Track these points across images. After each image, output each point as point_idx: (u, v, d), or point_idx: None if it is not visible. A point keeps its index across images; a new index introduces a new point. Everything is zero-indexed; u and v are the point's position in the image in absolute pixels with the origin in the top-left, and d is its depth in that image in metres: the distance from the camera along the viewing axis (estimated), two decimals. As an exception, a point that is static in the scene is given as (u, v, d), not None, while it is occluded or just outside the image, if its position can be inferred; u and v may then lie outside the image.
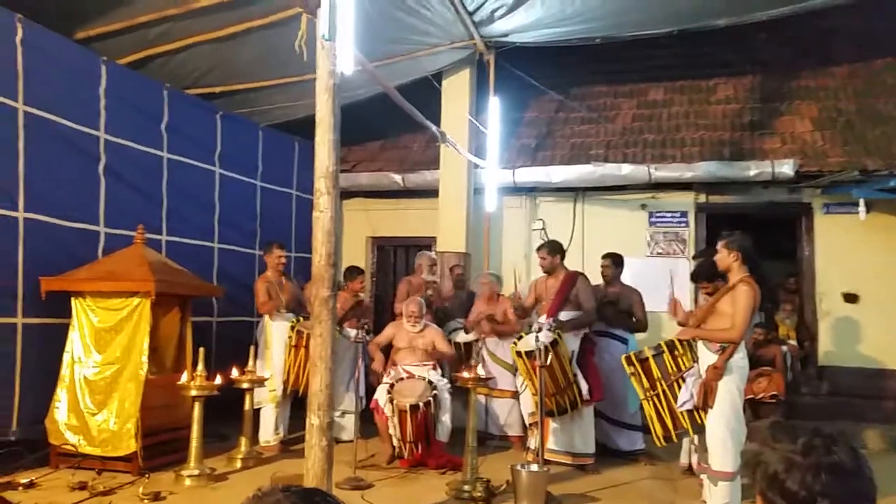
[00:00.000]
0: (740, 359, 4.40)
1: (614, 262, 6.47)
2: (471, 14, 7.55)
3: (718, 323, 4.42)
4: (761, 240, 8.80)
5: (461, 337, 6.75)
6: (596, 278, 6.47)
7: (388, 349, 6.38)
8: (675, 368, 4.61)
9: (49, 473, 4.95)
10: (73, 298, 5.31)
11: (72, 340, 5.28)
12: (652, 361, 4.68)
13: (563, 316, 5.78)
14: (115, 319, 5.28)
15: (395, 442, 5.67)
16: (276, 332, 6.30)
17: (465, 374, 5.21)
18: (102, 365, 5.24)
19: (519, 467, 4.67)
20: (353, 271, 6.90)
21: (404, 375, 5.92)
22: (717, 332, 4.41)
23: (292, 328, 6.19)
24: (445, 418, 5.76)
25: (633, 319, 6.35)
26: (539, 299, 6.03)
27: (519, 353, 5.43)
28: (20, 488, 4.54)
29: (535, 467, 4.75)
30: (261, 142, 8.14)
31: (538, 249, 6.11)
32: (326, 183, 4.15)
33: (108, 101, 5.99)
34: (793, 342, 7.71)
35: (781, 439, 1.41)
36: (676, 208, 8.42)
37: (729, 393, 4.33)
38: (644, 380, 4.69)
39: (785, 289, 8.59)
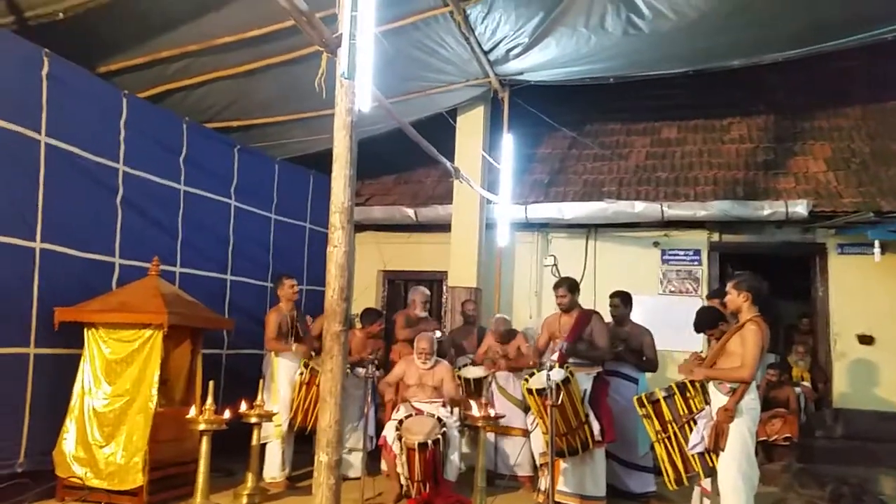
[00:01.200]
0: (751, 400, 4.35)
1: (623, 300, 6.42)
2: (486, 53, 7.65)
3: (728, 363, 4.40)
4: (775, 280, 8.75)
5: (471, 372, 6.71)
6: (607, 316, 6.43)
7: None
8: (686, 410, 4.56)
9: (55, 506, 4.93)
10: (85, 329, 5.33)
11: (83, 371, 5.28)
12: (663, 403, 4.63)
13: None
14: (127, 351, 5.29)
15: (402, 480, 5.60)
16: (282, 367, 6.27)
17: (475, 413, 5.16)
18: (112, 397, 5.23)
19: (529, 509, 4.61)
20: (371, 314, 6.86)
21: (413, 412, 5.87)
22: (727, 371, 4.38)
23: (305, 364, 6.16)
24: (454, 457, 5.68)
25: (644, 359, 6.29)
26: (552, 337, 5.99)
27: (530, 391, 5.37)
28: (26, 520, 4.51)
29: (545, 509, 4.68)
30: (276, 175, 8.22)
31: (556, 287, 6.06)
32: (341, 218, 4.17)
33: (128, 133, 6.07)
34: (807, 384, 7.61)
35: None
36: (689, 246, 8.40)
37: (740, 435, 4.27)
38: (655, 422, 4.64)
39: (799, 330, 8.53)
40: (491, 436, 6.24)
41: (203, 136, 7.10)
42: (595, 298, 8.01)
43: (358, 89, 4.23)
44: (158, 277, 5.73)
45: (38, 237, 5.26)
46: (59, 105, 5.39)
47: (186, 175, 6.78)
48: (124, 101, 6.08)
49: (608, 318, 6.37)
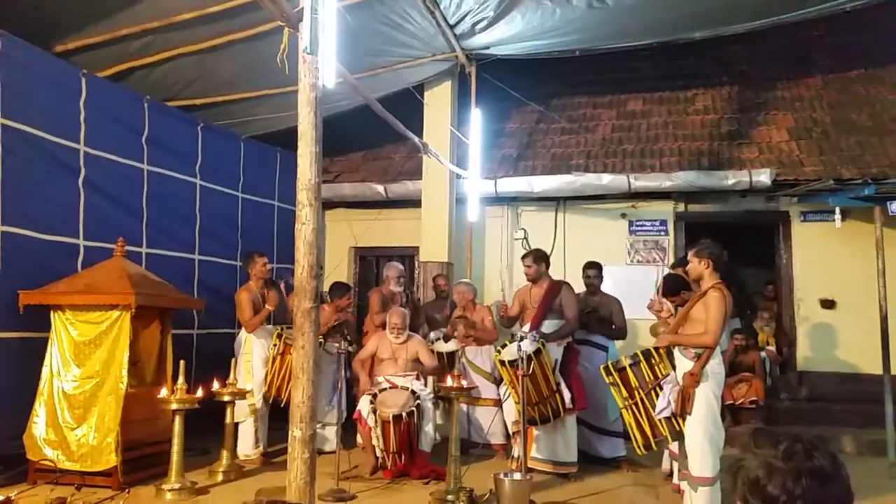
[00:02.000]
0: (716, 364, 4.46)
1: (599, 271, 6.55)
2: (452, 27, 7.61)
3: (692, 329, 4.49)
4: (740, 248, 8.96)
5: (443, 346, 6.77)
6: (579, 285, 6.52)
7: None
8: (651, 377, 4.66)
9: (27, 490, 4.88)
10: (52, 312, 5.26)
11: (50, 354, 5.22)
12: (629, 370, 4.73)
13: (547, 324, 5.83)
14: (95, 333, 5.24)
15: (378, 453, 5.66)
16: (256, 344, 6.27)
17: (449, 383, 5.22)
18: (82, 379, 5.19)
19: (502, 476, 4.69)
20: (340, 288, 6.87)
21: (387, 386, 5.91)
22: (691, 337, 4.48)
23: (278, 336, 6.16)
24: (429, 428, 5.76)
25: (613, 327, 6.42)
26: (523, 308, 6.08)
27: (503, 362, 5.45)
28: (-3, 505, 4.47)
29: (517, 476, 4.78)
30: (242, 153, 8.13)
31: (523, 258, 6.16)
32: (309, 195, 4.16)
33: (88, 113, 5.96)
34: (771, 348, 7.81)
35: (762, 445, 1.45)
36: (656, 217, 8.52)
37: (706, 399, 4.38)
38: (623, 389, 4.73)
39: (763, 296, 8.72)
40: (464, 406, 6.33)
41: (165, 115, 6.99)
42: (565, 270, 8.11)
43: (321, 64, 4.19)
44: (124, 258, 5.66)
45: (0, 220, 5.16)
46: (14, 85, 5.27)
47: (149, 154, 6.68)
48: (83, 80, 5.95)
49: (580, 289, 6.47)
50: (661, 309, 5.07)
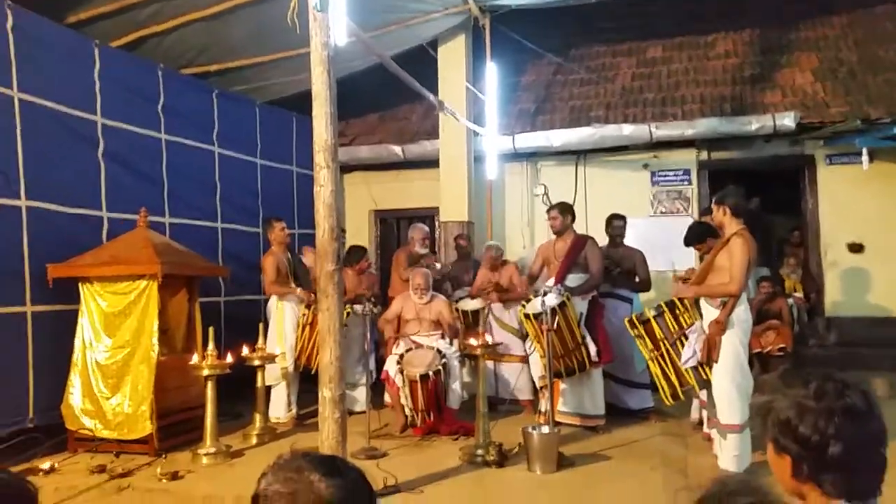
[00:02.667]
0: (742, 311, 4.42)
1: (625, 222, 6.49)
2: (464, -22, 7.44)
3: (717, 278, 4.45)
4: (764, 194, 8.82)
5: (468, 305, 6.78)
6: (601, 240, 6.46)
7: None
8: (676, 327, 4.63)
9: (68, 458, 5.03)
10: (80, 284, 5.34)
11: (81, 326, 5.31)
12: (654, 322, 4.71)
13: (571, 279, 5.79)
14: (124, 303, 5.31)
15: (407, 411, 5.73)
16: (287, 309, 6.31)
17: (473, 342, 5.24)
18: (113, 349, 5.28)
19: (530, 430, 4.72)
20: (356, 251, 6.89)
21: (413, 346, 5.95)
22: (716, 287, 4.43)
23: (308, 306, 6.20)
24: (456, 386, 5.81)
25: (637, 279, 6.37)
26: (546, 263, 6.05)
27: (527, 316, 5.46)
28: (41, 474, 4.60)
29: (545, 429, 4.81)
30: (258, 119, 8.10)
31: (549, 210, 6.12)
32: (325, 157, 4.14)
33: (103, 84, 5.95)
34: (799, 294, 7.73)
35: (793, 385, 1.42)
36: (679, 166, 8.38)
37: (732, 346, 4.35)
38: (648, 341, 4.72)
39: (790, 242, 8.60)
40: (491, 364, 6.36)
41: (180, 83, 6.97)
42: (587, 224, 8.05)
43: (332, 22, 4.14)
44: (148, 228, 5.70)
45: (23, 195, 5.21)
46: (28, 59, 5.27)
47: (166, 123, 6.68)
48: (96, 50, 5.93)
49: (603, 242, 6.41)
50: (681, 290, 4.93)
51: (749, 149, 8.24)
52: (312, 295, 6.19)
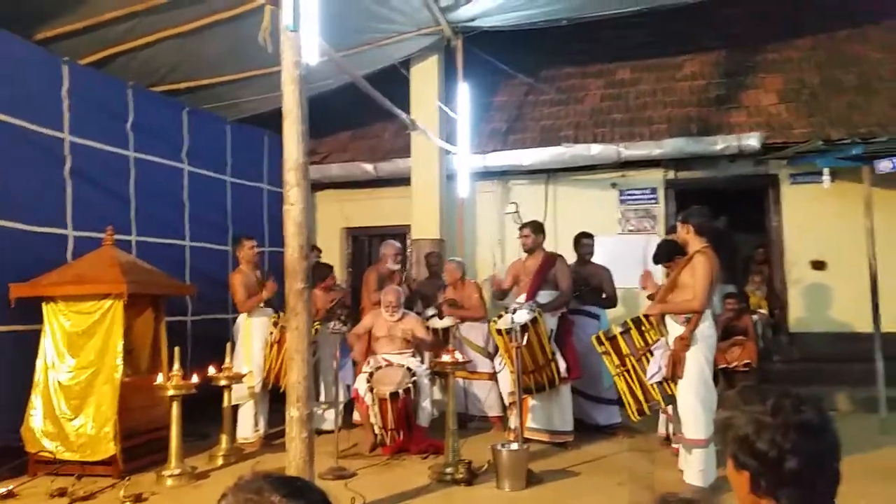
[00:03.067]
0: (707, 327, 4.50)
1: (593, 241, 6.58)
2: (437, 0, 7.52)
3: (681, 295, 4.53)
4: (730, 213, 8.98)
5: (438, 323, 6.79)
6: (571, 257, 6.53)
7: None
8: (642, 343, 4.70)
9: (27, 481, 4.91)
10: (43, 304, 5.25)
11: (44, 346, 5.22)
12: (620, 339, 4.77)
13: (542, 295, 5.85)
14: (88, 323, 5.23)
15: (376, 430, 5.70)
16: (255, 327, 6.26)
17: (444, 359, 5.25)
18: (77, 369, 5.19)
19: (499, 447, 4.73)
20: (322, 268, 6.87)
21: (383, 364, 5.94)
22: (680, 303, 4.52)
23: (274, 324, 6.16)
24: (426, 404, 5.79)
25: (604, 296, 6.45)
26: (517, 280, 6.11)
27: (499, 331, 5.49)
28: (-1, 497, 4.51)
29: (515, 446, 4.82)
30: (229, 136, 8.07)
31: (522, 227, 6.20)
32: (296, 175, 4.15)
33: (72, 101, 5.90)
34: (763, 311, 7.85)
35: (750, 402, 1.45)
36: (646, 185, 8.52)
37: (697, 362, 4.42)
38: (614, 357, 4.78)
39: (755, 260, 8.75)
40: (460, 381, 6.37)
41: (150, 100, 6.93)
42: (556, 242, 8.10)
43: (304, 41, 4.16)
44: (114, 247, 5.63)
45: (-14, 213, 5.13)
46: (-5, 75, 5.21)
47: (135, 141, 6.63)
48: (65, 68, 5.88)
49: (572, 259, 6.49)
50: (647, 285, 5.12)
51: (715, 168, 8.40)
52: (274, 287, 6.12)
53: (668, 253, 5.30)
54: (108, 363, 5.16)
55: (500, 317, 5.64)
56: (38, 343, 5.22)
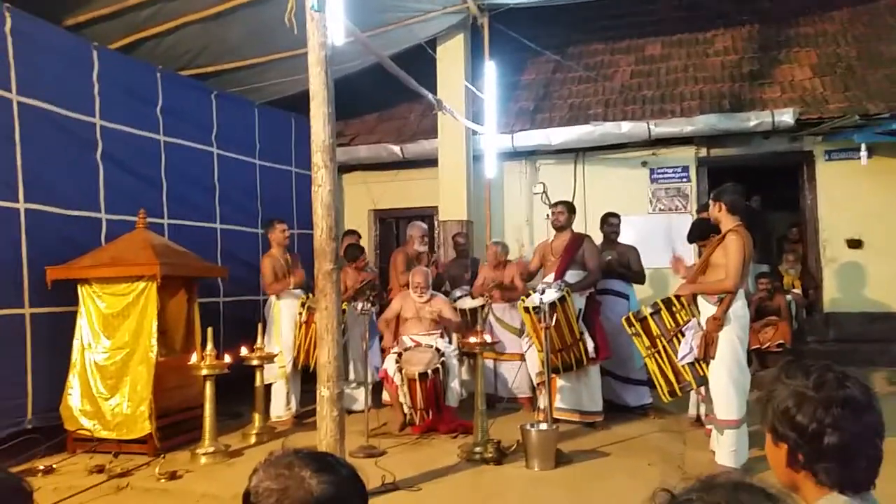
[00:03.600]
0: (740, 307, 4.43)
1: (620, 220, 6.51)
2: (461, -23, 7.45)
3: (714, 275, 4.46)
4: (764, 191, 8.81)
5: (467, 303, 6.79)
6: (600, 237, 6.47)
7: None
8: (673, 324, 4.65)
9: (66, 459, 5.04)
10: (79, 286, 5.36)
11: (80, 327, 5.33)
12: (650, 320, 4.72)
13: (570, 275, 5.82)
14: (122, 304, 5.33)
15: (405, 409, 5.74)
16: (284, 308, 6.32)
17: (472, 340, 5.25)
18: (112, 350, 5.30)
19: (528, 427, 4.73)
20: (354, 249, 6.91)
21: (412, 345, 5.96)
22: (712, 284, 4.45)
23: (303, 305, 6.22)
24: (454, 384, 5.82)
25: (632, 271, 6.37)
26: (544, 260, 6.08)
27: (526, 309, 5.47)
28: (39, 474, 4.62)
29: (544, 426, 4.82)
30: (257, 120, 8.11)
31: (554, 204, 6.15)
32: (323, 157, 4.15)
33: (102, 86, 5.97)
34: (797, 291, 7.71)
35: (793, 376, 1.42)
36: (678, 163, 8.38)
37: (730, 342, 4.36)
38: (645, 338, 4.73)
39: (788, 239, 8.59)
40: (489, 362, 6.37)
41: (178, 85, 6.98)
42: (586, 222, 8.05)
43: (329, 22, 4.15)
44: (147, 230, 5.72)
45: (21, 197, 5.23)
46: (27, 61, 5.28)
47: (165, 125, 6.69)
48: (95, 53, 5.95)
49: (599, 240, 6.43)
50: (679, 269, 5.04)
51: (748, 145, 8.23)
52: (309, 291, 6.18)
53: (703, 232, 5.22)
54: (142, 344, 5.26)
55: (527, 296, 5.63)
56: (75, 324, 5.34)
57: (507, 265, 6.88)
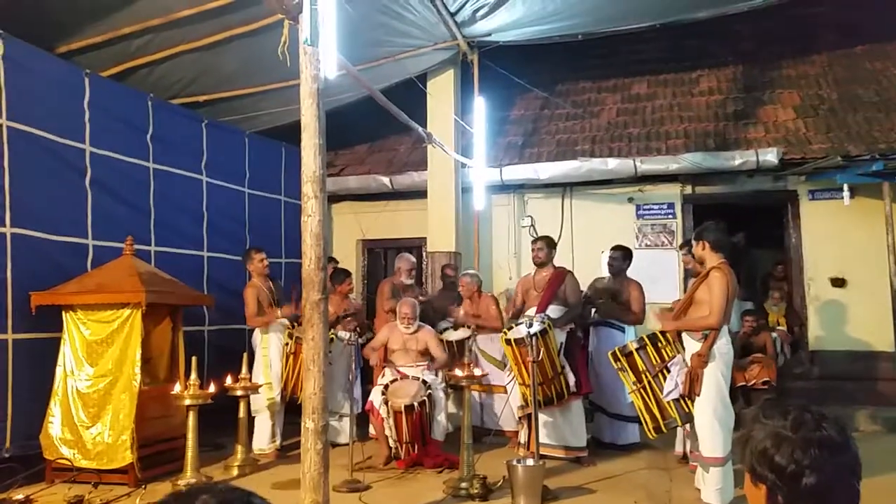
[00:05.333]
0: (724, 344, 4.46)
1: (623, 255, 6.55)
2: (453, 15, 7.58)
3: (698, 312, 4.50)
4: (748, 229, 8.92)
5: (453, 335, 6.78)
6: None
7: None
8: (658, 360, 4.66)
9: (45, 489, 4.94)
10: (63, 312, 5.30)
11: (63, 354, 5.27)
12: (636, 355, 4.74)
13: (551, 310, 5.83)
14: (107, 332, 5.28)
15: (391, 443, 5.69)
16: (272, 340, 6.28)
17: (458, 373, 5.24)
18: (95, 377, 5.23)
19: (515, 462, 4.70)
20: (340, 274, 6.92)
21: (398, 377, 5.93)
22: (696, 320, 4.48)
23: (290, 336, 6.19)
24: (441, 417, 5.78)
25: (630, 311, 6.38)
26: (525, 295, 6.11)
27: (508, 342, 5.47)
28: (16, 504, 4.53)
29: (530, 462, 4.79)
30: (247, 149, 8.14)
31: (534, 241, 6.21)
32: (313, 187, 4.17)
33: (93, 113, 5.98)
34: (782, 328, 7.76)
35: (771, 416, 1.44)
36: (663, 200, 8.47)
37: (714, 379, 4.38)
38: (630, 373, 4.74)
39: (773, 276, 8.67)
40: (476, 394, 6.34)
41: (169, 112, 7.01)
42: (573, 256, 8.10)
43: (322, 56, 4.19)
44: (133, 257, 5.69)
45: (8, 222, 5.19)
46: (18, 87, 5.29)
47: (155, 152, 6.70)
48: (86, 80, 5.97)
49: (605, 272, 6.47)
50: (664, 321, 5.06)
51: (733, 183, 8.35)
52: (296, 320, 6.15)
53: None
54: (126, 372, 5.20)
55: (510, 329, 5.64)
56: (58, 351, 5.27)
57: (482, 297, 6.92)
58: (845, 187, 7.29)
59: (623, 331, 6.33)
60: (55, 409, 5.21)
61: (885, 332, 6.53)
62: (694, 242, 4.63)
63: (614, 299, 6.39)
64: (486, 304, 6.84)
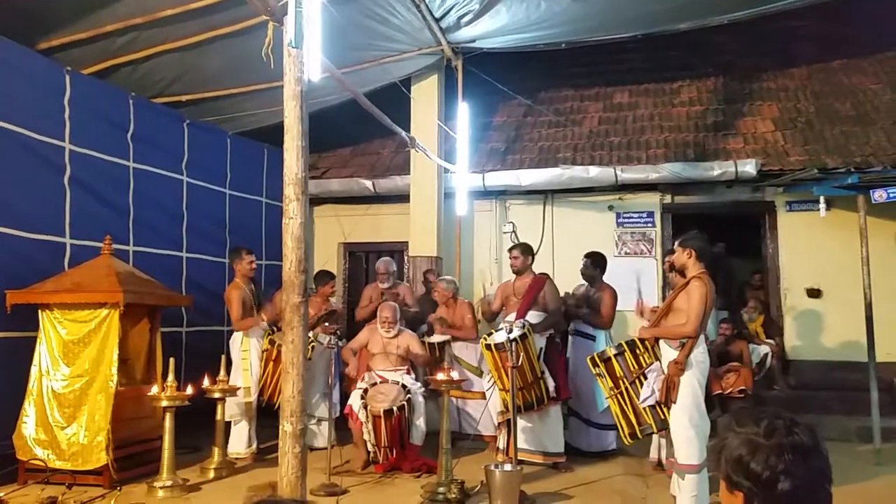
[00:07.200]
0: (700, 353, 4.50)
1: (593, 261, 6.58)
2: (437, 21, 7.60)
3: (675, 319, 4.54)
4: (727, 238, 9.02)
5: (435, 338, 6.79)
6: (567, 277, 6.55)
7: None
8: (636, 366, 4.70)
9: (17, 489, 4.88)
10: (40, 311, 5.24)
11: (39, 353, 5.20)
12: (614, 361, 4.77)
13: (531, 316, 5.86)
14: (84, 331, 5.22)
15: (369, 447, 5.67)
16: (252, 341, 6.22)
17: (439, 377, 5.24)
18: (71, 378, 5.17)
19: (492, 467, 4.71)
20: (324, 276, 6.91)
21: (378, 380, 5.92)
22: (673, 328, 4.52)
23: (270, 342, 6.15)
24: (420, 422, 5.77)
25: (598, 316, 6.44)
26: (505, 301, 6.13)
27: (488, 347, 5.48)
28: (-12, 505, 4.47)
29: (508, 467, 4.80)
30: (229, 149, 8.10)
31: (511, 249, 6.24)
32: (295, 189, 4.16)
33: (73, 111, 5.92)
34: (770, 341, 7.83)
35: (744, 423, 1.47)
36: (643, 209, 8.56)
37: (690, 387, 4.42)
38: (608, 379, 4.78)
39: (751, 285, 8.78)
40: (454, 399, 6.35)
41: (151, 111, 6.96)
42: (554, 263, 8.15)
43: (306, 58, 4.19)
44: (112, 256, 5.64)
45: (-15, 219, 5.13)
46: (-3, 83, 5.23)
47: (135, 151, 6.65)
48: (67, 77, 5.91)
49: (569, 281, 6.52)
50: (643, 313, 5.14)
51: (711, 193, 8.46)
52: (276, 324, 6.12)
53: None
54: (102, 372, 5.14)
55: (489, 334, 5.65)
56: (34, 350, 5.20)
57: (457, 303, 6.93)
58: (822, 199, 7.40)
59: (593, 339, 6.37)
60: (29, 409, 5.13)
61: (858, 343, 6.62)
62: (678, 250, 4.65)
63: (589, 305, 6.44)
64: (461, 312, 6.85)
